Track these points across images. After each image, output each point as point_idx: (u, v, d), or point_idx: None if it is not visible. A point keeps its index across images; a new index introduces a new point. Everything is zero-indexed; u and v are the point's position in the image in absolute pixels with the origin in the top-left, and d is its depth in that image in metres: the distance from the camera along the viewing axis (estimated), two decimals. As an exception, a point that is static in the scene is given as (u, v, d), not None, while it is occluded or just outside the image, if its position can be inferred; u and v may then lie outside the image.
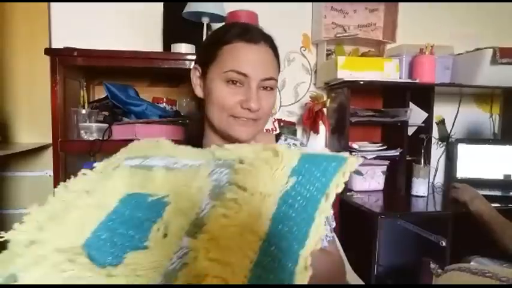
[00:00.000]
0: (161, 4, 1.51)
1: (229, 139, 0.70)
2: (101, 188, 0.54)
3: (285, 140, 0.80)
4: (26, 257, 0.45)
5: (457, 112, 1.78)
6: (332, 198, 0.42)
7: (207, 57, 0.70)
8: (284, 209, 0.41)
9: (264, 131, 0.88)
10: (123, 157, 0.63)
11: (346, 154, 0.47)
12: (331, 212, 0.75)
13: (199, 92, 0.74)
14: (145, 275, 0.40)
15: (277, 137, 0.81)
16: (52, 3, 1.56)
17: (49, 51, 1.26)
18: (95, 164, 0.62)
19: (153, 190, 0.50)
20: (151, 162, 0.57)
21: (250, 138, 0.70)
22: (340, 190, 0.42)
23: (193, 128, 0.78)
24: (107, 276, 0.42)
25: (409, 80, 1.61)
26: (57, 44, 1.53)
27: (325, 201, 0.42)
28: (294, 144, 0.79)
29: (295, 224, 0.40)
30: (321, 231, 0.40)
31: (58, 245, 0.45)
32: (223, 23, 1.45)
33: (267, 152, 0.47)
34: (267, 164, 0.44)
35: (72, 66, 1.31)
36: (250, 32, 0.69)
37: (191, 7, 1.33)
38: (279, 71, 0.73)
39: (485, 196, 1.52)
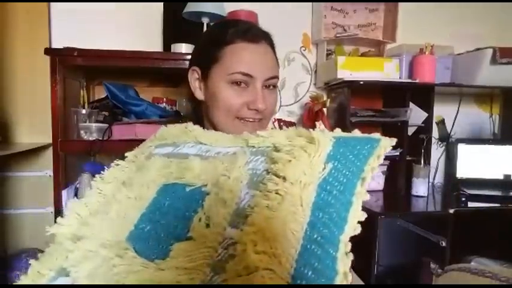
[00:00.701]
0: (161, 4, 1.51)
1: None
2: (138, 179, 0.54)
3: None
4: (76, 252, 0.45)
5: (457, 112, 1.78)
6: (368, 181, 0.43)
7: (207, 58, 0.69)
8: (323, 196, 0.42)
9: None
10: (154, 144, 0.63)
11: (378, 135, 0.47)
12: None
13: (199, 94, 0.71)
14: (194, 268, 0.40)
15: None
16: (52, 3, 1.56)
17: (49, 51, 1.26)
18: (126, 154, 0.62)
19: (190, 180, 0.49)
20: (183, 150, 0.57)
21: None
22: (375, 172, 0.43)
23: None
24: (156, 270, 0.41)
25: (409, 80, 1.61)
26: (57, 44, 1.53)
27: (361, 185, 0.43)
28: None
29: (334, 210, 0.41)
30: (358, 216, 0.41)
31: (104, 240, 0.45)
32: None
33: (302, 138, 0.47)
34: (305, 152, 0.44)
35: (72, 66, 1.31)
36: (250, 31, 0.68)
37: (191, 7, 1.33)
38: (279, 67, 0.73)
39: (485, 196, 1.52)
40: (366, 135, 0.48)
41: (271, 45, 0.71)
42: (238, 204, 0.44)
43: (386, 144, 0.46)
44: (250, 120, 0.67)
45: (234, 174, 0.46)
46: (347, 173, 0.44)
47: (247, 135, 0.54)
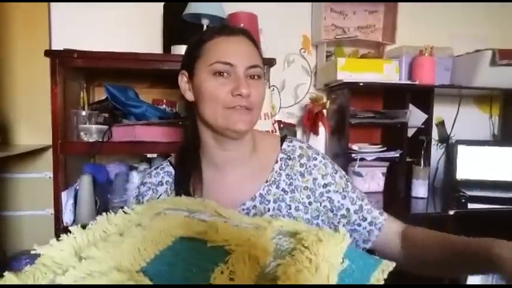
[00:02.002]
0: (161, 6, 1.51)
1: (228, 135, 0.69)
2: (156, 225, 0.51)
3: (291, 142, 0.78)
4: (79, 270, 0.43)
5: (457, 113, 1.78)
6: None
7: (190, 58, 0.71)
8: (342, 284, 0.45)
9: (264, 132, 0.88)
10: (163, 206, 0.60)
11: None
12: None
13: (189, 96, 0.73)
14: None
15: (282, 140, 0.79)
16: (52, 4, 1.56)
17: (49, 53, 1.26)
18: (133, 206, 0.59)
19: (213, 237, 0.48)
20: (200, 216, 0.55)
21: (249, 128, 0.70)
22: (380, 283, 0.49)
23: (189, 138, 0.77)
24: None
25: (409, 82, 1.62)
26: (57, 46, 1.53)
27: None
28: (300, 147, 0.77)
29: None
30: None
31: (118, 263, 0.44)
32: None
33: (323, 231, 0.49)
34: (333, 238, 0.48)
35: (72, 67, 1.31)
36: (227, 27, 0.71)
37: (191, 9, 1.33)
38: (263, 63, 0.73)
39: (486, 198, 1.52)
40: (368, 255, 0.56)
41: (251, 39, 0.72)
42: (264, 269, 0.44)
43: (389, 264, 0.52)
44: (237, 107, 0.67)
45: (261, 240, 0.47)
46: (358, 274, 0.48)
47: (269, 218, 0.57)
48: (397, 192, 1.66)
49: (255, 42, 0.73)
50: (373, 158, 1.62)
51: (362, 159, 1.60)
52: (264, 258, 0.44)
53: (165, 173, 0.78)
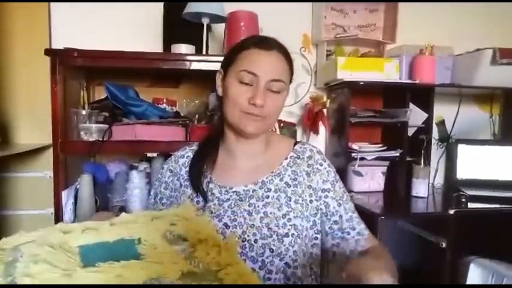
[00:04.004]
0: (161, 5, 1.51)
1: (241, 134, 0.79)
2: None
3: (303, 144, 0.86)
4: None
5: (457, 113, 1.78)
6: None
7: (228, 61, 0.80)
8: None
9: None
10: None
11: None
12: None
13: (220, 91, 0.83)
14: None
15: (296, 143, 0.87)
16: (52, 4, 1.56)
17: (49, 51, 1.26)
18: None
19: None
20: None
21: (259, 132, 0.79)
22: None
23: (215, 127, 0.88)
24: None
25: (409, 81, 1.61)
26: (57, 45, 1.53)
27: None
28: (310, 149, 0.84)
29: None
30: None
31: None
32: (224, 24, 1.46)
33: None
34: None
35: (72, 66, 1.31)
36: (265, 41, 0.79)
37: (191, 8, 1.33)
38: (291, 79, 0.81)
39: (486, 197, 1.52)
40: None
41: (286, 57, 0.79)
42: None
43: None
44: (251, 114, 0.75)
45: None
46: None
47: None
48: (397, 192, 1.66)
49: (289, 60, 0.81)
50: (373, 157, 1.62)
51: (362, 159, 1.60)
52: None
53: (190, 150, 0.89)
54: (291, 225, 0.75)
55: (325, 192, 0.80)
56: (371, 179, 1.68)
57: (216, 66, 1.39)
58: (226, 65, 0.80)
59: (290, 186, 0.79)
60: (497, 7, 1.95)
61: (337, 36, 1.76)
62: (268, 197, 0.77)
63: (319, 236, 0.80)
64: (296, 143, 0.87)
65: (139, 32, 1.62)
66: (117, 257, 0.47)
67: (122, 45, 1.40)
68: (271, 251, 0.72)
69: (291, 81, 0.82)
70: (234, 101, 0.76)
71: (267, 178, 0.80)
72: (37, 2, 1.52)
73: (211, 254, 0.49)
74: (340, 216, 0.79)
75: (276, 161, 0.83)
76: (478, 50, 1.61)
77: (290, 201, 0.77)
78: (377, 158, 1.63)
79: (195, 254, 0.49)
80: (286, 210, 0.76)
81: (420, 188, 1.59)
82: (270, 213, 0.76)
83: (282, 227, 0.74)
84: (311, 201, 0.79)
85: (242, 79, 0.75)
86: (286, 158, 0.83)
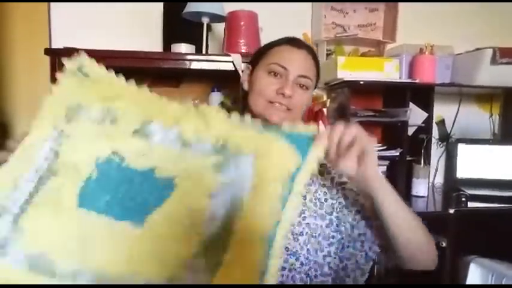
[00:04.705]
0: (161, 4, 1.51)
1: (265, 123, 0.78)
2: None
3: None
4: None
5: (457, 112, 1.78)
6: None
7: (258, 55, 0.83)
8: None
9: None
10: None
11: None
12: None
13: (246, 86, 0.85)
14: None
15: None
16: (52, 3, 1.56)
17: (49, 51, 1.26)
18: None
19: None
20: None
21: (282, 122, 0.75)
22: None
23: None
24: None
25: (409, 80, 1.61)
26: (57, 44, 1.53)
27: None
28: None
29: None
30: None
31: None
32: (224, 23, 1.46)
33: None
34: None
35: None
36: (297, 40, 0.83)
37: (191, 7, 1.33)
38: (318, 80, 0.85)
39: (486, 196, 1.52)
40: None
41: (313, 57, 0.83)
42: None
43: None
44: (277, 104, 0.77)
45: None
46: None
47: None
48: (397, 191, 1.66)
49: (316, 62, 0.85)
50: (374, 156, 1.62)
51: (362, 158, 1.59)
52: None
53: None
54: (305, 224, 0.74)
55: (342, 185, 0.78)
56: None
57: (216, 66, 1.40)
58: (255, 60, 0.83)
59: (305, 185, 0.78)
60: (497, 6, 1.95)
61: (337, 35, 1.76)
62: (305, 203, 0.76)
63: (336, 234, 0.76)
64: None
65: (139, 31, 1.62)
66: None
67: (122, 44, 1.40)
68: (287, 249, 0.72)
69: (316, 85, 0.84)
70: (261, 91, 0.78)
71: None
72: (37, 2, 1.52)
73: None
74: (362, 205, 0.75)
75: None
76: (478, 49, 1.61)
77: (305, 199, 0.76)
78: (377, 158, 1.63)
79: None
80: (301, 208, 0.75)
81: (420, 188, 1.59)
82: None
83: (297, 225, 0.74)
84: (326, 199, 0.78)
85: (271, 70, 0.78)
86: None
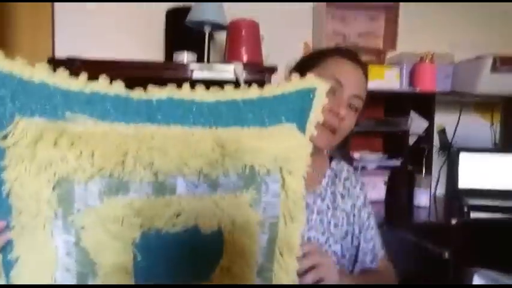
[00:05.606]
0: (163, 13, 1.52)
1: None
2: None
3: (339, 162, 0.83)
4: None
5: (458, 121, 1.77)
6: None
7: (307, 64, 0.74)
8: None
9: None
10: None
11: None
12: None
13: None
14: None
15: (331, 159, 0.83)
16: (56, 13, 1.57)
17: (52, 60, 1.26)
18: None
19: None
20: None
21: (327, 147, 0.74)
22: None
23: None
24: None
25: (410, 89, 1.61)
26: (59, 53, 1.54)
27: None
28: (347, 169, 0.82)
29: None
30: None
31: None
32: (225, 32, 1.46)
33: None
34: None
35: (75, 75, 1.31)
36: (352, 53, 0.76)
37: (193, 16, 1.33)
38: (366, 97, 0.76)
39: (488, 207, 1.50)
40: None
41: (365, 75, 0.76)
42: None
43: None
44: (326, 125, 0.67)
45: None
46: None
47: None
48: (398, 201, 1.65)
49: (367, 79, 0.77)
50: (374, 166, 1.62)
51: (363, 168, 1.59)
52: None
53: None
54: (332, 251, 0.72)
55: (356, 207, 0.79)
56: (372, 189, 1.67)
57: (218, 75, 1.40)
58: (304, 67, 0.71)
59: (330, 209, 0.75)
60: (497, 14, 1.96)
61: (338, 44, 1.77)
62: (311, 220, 0.73)
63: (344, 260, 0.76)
64: (331, 157, 0.82)
65: (141, 40, 1.63)
66: None
67: (124, 53, 1.41)
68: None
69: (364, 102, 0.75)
70: None
71: (310, 199, 0.74)
72: (40, 11, 1.54)
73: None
74: (372, 228, 0.79)
75: (316, 179, 0.77)
76: (478, 57, 1.61)
77: (330, 224, 0.74)
78: (378, 167, 1.63)
79: None
80: (327, 235, 0.73)
81: (422, 198, 1.58)
82: (313, 237, 0.72)
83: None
84: (342, 224, 0.75)
85: None
86: (325, 177, 0.78)
